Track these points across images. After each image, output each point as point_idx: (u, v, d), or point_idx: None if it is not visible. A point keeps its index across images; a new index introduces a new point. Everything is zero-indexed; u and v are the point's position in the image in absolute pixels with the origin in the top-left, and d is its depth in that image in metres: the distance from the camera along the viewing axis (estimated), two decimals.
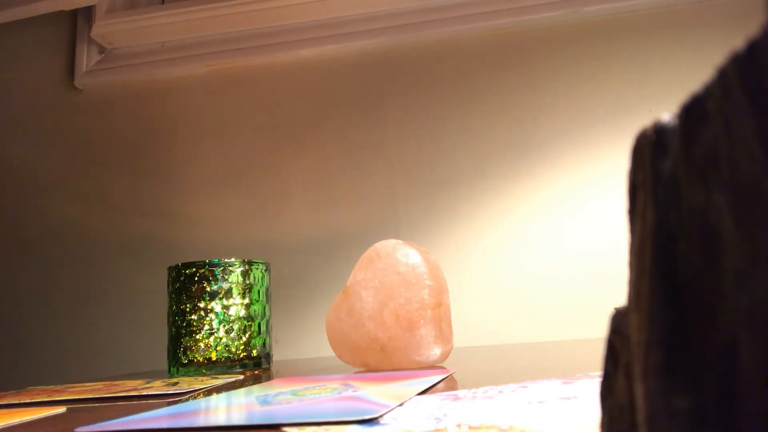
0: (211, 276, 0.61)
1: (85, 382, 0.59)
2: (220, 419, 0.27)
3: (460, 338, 0.64)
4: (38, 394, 0.46)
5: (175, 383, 0.48)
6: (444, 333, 0.49)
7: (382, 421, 0.24)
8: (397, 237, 0.79)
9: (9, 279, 0.99)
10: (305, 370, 0.56)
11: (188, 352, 0.60)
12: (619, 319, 0.13)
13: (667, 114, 0.11)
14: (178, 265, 0.63)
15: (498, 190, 0.88)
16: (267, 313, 0.65)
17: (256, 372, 0.59)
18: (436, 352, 0.48)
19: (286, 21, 0.98)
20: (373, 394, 0.31)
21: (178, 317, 0.61)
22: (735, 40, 0.09)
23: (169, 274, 0.63)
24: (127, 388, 0.46)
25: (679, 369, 0.10)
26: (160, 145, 1.00)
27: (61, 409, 0.37)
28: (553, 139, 0.87)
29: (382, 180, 0.91)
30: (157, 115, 1.01)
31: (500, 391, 0.29)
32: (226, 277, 0.62)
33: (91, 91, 1.04)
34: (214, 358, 0.60)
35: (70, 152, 1.03)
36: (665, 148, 0.11)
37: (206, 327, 0.60)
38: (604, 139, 0.86)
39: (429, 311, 0.48)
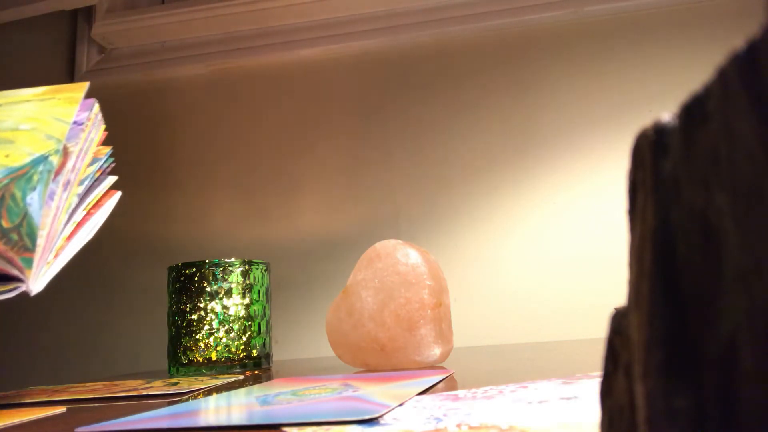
0: (211, 276, 0.61)
1: (85, 382, 0.59)
2: (220, 419, 0.27)
3: (460, 338, 0.64)
4: (38, 394, 0.46)
5: (175, 383, 0.48)
6: (444, 333, 0.49)
7: (382, 421, 0.24)
8: (397, 237, 0.79)
9: None
10: (305, 370, 0.56)
11: (188, 352, 0.60)
12: (619, 319, 0.13)
13: (667, 114, 0.11)
14: (178, 265, 0.63)
15: (498, 190, 0.88)
16: (267, 313, 0.65)
17: (256, 372, 0.59)
18: (436, 352, 0.48)
19: (286, 21, 0.98)
20: (373, 394, 0.31)
21: (178, 317, 0.61)
22: (735, 40, 0.09)
23: (169, 274, 0.63)
24: (127, 388, 0.46)
25: (679, 369, 0.10)
26: (160, 145, 1.00)
27: (61, 409, 0.37)
28: (553, 139, 0.87)
29: (382, 180, 0.91)
30: (157, 115, 1.01)
31: (500, 391, 0.29)
32: (226, 277, 0.62)
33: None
34: (214, 358, 0.60)
35: None
36: (665, 148, 0.11)
37: (206, 327, 0.60)
38: (604, 138, 0.86)
39: (429, 311, 0.48)
